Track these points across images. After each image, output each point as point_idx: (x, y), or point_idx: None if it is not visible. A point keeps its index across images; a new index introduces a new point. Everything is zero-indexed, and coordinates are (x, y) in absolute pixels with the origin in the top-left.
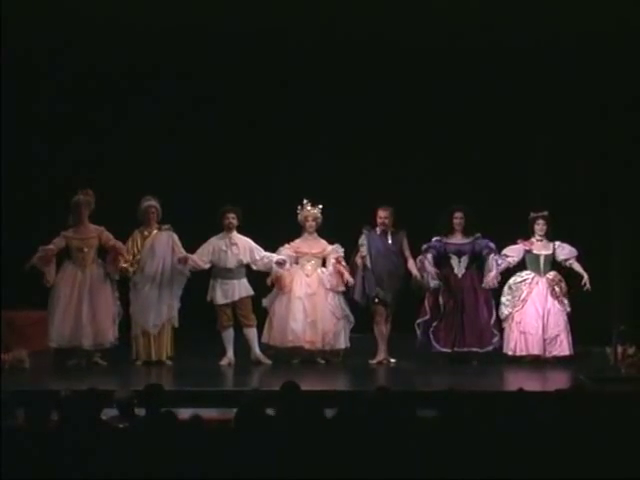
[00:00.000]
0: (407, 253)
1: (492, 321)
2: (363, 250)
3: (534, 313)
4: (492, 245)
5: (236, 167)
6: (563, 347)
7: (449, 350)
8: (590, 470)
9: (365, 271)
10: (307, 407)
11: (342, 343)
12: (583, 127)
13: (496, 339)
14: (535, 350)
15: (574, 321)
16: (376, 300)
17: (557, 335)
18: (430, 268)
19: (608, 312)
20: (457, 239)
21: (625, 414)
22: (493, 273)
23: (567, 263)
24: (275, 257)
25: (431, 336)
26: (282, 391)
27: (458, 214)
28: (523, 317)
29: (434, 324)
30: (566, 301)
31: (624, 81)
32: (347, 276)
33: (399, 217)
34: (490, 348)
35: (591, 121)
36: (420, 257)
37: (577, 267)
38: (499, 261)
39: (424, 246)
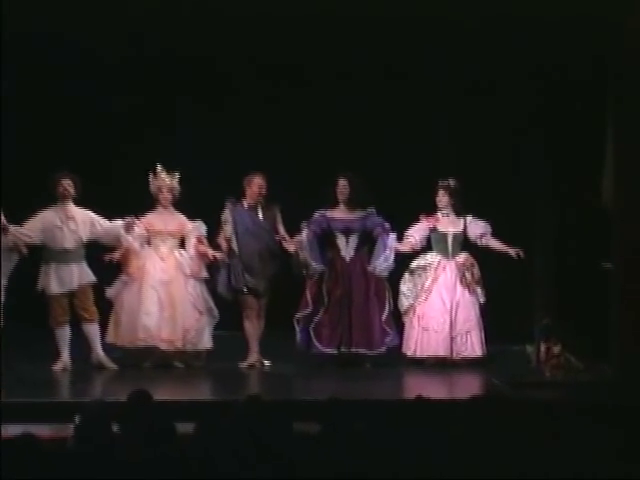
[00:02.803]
0: (282, 230)
1: (385, 316)
2: (228, 229)
3: (440, 306)
4: (387, 225)
5: (81, 131)
6: (474, 347)
7: (334, 351)
8: None
9: (231, 257)
10: (161, 421)
11: (206, 342)
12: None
13: (389, 338)
14: (440, 351)
15: (489, 315)
16: (245, 290)
17: (467, 332)
18: (313, 249)
19: (529, 304)
20: (344, 214)
21: (549, 425)
22: (381, 258)
23: (482, 241)
24: (121, 222)
25: (312, 333)
26: (130, 402)
27: (342, 182)
28: (426, 310)
29: (315, 319)
30: (479, 290)
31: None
32: (212, 252)
33: (270, 189)
34: (382, 349)
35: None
36: (300, 236)
37: (495, 244)
38: (395, 244)
39: (304, 223)
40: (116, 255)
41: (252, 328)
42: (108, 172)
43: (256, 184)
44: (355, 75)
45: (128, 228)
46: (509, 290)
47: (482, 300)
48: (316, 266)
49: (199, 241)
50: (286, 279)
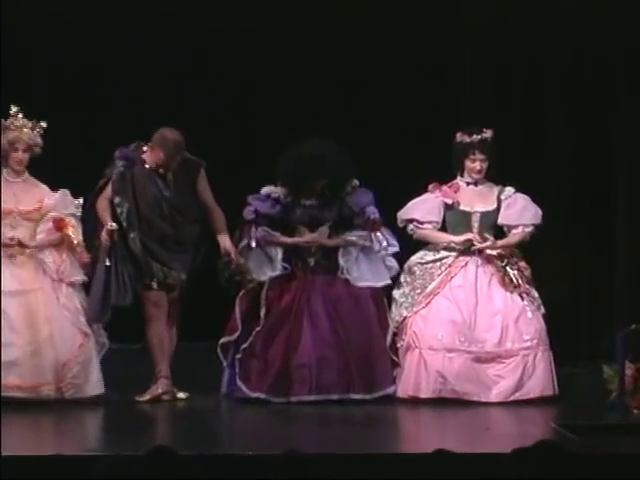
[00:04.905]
0: (209, 200)
1: (389, 339)
2: (117, 200)
3: (454, 315)
4: (373, 211)
5: None
6: (538, 381)
7: (269, 397)
8: None
9: (115, 250)
10: None
11: (95, 386)
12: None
13: (397, 370)
14: (464, 387)
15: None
16: (153, 284)
17: (526, 354)
18: (258, 259)
19: (604, 304)
20: (311, 199)
21: None
22: (371, 281)
23: (509, 233)
24: None
25: (237, 368)
26: None
27: (321, 182)
28: (428, 324)
29: (244, 346)
30: (535, 294)
31: None
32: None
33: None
34: (390, 389)
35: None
36: (246, 237)
37: (514, 240)
38: (393, 243)
39: (249, 211)
40: None
41: (158, 338)
42: None
43: (156, 154)
44: None
45: None
46: (567, 285)
47: (543, 310)
48: (262, 279)
49: (57, 225)
50: (210, 266)
